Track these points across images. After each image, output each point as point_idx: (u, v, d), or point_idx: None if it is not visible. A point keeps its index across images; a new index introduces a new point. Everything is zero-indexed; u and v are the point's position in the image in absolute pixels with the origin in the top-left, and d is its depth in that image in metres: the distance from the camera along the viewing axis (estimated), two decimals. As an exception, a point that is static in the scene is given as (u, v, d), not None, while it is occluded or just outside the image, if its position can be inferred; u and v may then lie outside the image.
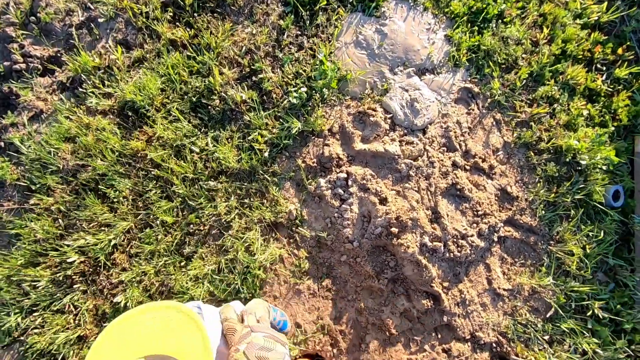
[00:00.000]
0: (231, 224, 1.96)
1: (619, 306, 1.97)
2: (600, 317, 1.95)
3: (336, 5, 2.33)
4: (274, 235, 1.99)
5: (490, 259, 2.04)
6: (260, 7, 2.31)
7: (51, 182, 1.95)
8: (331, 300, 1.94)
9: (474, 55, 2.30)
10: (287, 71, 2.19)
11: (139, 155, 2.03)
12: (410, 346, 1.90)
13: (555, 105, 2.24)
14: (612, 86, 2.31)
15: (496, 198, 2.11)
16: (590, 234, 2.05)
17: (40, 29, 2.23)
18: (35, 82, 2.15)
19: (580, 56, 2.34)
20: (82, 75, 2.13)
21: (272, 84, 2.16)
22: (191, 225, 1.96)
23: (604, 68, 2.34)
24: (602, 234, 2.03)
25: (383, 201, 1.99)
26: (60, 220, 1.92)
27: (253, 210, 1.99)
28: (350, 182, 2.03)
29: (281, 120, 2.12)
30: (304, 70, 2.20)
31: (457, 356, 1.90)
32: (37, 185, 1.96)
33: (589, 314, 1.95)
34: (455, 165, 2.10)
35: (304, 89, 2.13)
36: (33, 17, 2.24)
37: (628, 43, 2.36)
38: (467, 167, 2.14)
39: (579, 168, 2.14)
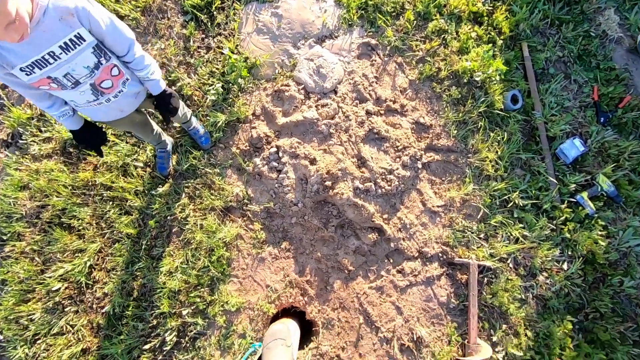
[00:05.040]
0: (188, 219, 2.19)
1: (536, 191, 2.25)
2: (522, 204, 2.23)
3: (231, 2, 2.53)
4: (228, 218, 2.23)
5: (420, 184, 2.30)
6: (162, 22, 2.49)
7: (19, 229, 2.16)
8: (292, 258, 2.19)
9: (364, 12, 2.52)
10: (201, 73, 2.39)
11: (90, 183, 2.24)
12: (369, 276, 2.17)
13: (446, 36, 2.47)
14: (491, 4, 2.55)
15: (412, 131, 2.36)
16: (499, 138, 2.31)
17: (-31, 97, 2.41)
18: (-21, 147, 2.34)
19: (458, -14, 2.56)
20: (19, 128, 2.32)
21: (191, 88, 2.37)
22: (153, 230, 2.18)
23: (481, -9, 2.57)
24: (506, 135, 2.30)
25: (313, 162, 2.23)
26: (37, 258, 2.14)
27: (204, 202, 2.21)
28: (281, 154, 2.26)
29: (208, 117, 2.33)
30: (217, 68, 2.41)
31: (411, 273, 2.17)
32: (8, 235, 2.17)
33: (511, 205, 2.23)
34: (368, 113, 2.34)
35: (220, 85, 2.34)
36: (-40, 90, 2.41)
37: (496, -38, 2.59)
38: (382, 112, 2.38)
39: (477, 85, 2.39)
